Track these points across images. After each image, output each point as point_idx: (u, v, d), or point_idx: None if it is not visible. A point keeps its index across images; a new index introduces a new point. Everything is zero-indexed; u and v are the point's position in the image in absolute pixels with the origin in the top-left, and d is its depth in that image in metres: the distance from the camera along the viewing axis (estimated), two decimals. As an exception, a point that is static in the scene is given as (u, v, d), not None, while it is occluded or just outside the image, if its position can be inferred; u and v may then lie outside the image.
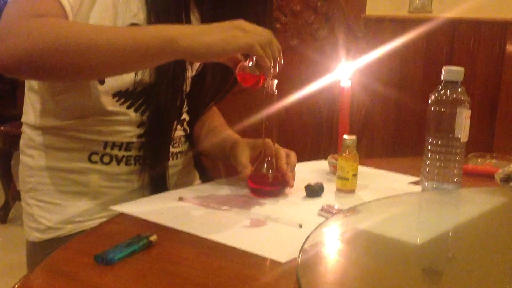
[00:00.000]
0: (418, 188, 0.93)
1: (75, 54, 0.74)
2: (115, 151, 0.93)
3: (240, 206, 0.84)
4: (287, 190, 0.92)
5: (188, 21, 0.95)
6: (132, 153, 0.94)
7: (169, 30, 0.76)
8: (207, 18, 0.99)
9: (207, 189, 0.95)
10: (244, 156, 0.93)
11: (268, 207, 0.85)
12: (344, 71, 1.03)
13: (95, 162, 0.93)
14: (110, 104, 0.91)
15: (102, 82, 0.89)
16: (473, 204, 0.85)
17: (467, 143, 0.91)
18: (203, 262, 0.65)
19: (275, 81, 0.88)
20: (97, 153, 0.92)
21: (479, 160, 1.12)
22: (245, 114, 1.04)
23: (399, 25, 2.01)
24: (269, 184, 0.90)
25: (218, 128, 1.10)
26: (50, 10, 0.78)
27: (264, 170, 0.90)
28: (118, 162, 0.94)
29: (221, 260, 0.66)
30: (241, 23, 0.78)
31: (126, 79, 0.90)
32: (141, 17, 0.89)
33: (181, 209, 0.83)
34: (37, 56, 0.73)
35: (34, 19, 0.75)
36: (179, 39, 0.74)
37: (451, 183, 0.89)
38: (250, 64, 0.82)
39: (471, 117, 0.88)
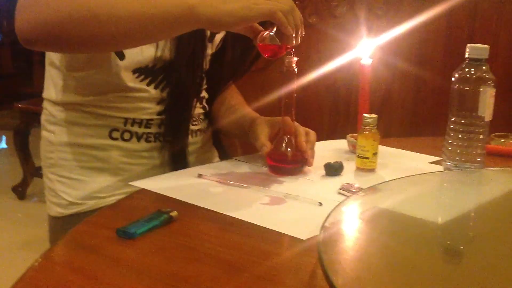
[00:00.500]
0: (439, 168, 0.92)
1: (94, 24, 0.73)
2: (135, 128, 0.93)
3: (259, 184, 0.84)
4: (306, 168, 0.91)
5: None
6: (152, 130, 0.94)
7: None
8: None
9: (226, 166, 0.95)
10: (263, 134, 0.92)
11: (287, 185, 0.85)
12: (365, 49, 1.02)
13: (116, 139, 0.93)
14: (130, 80, 0.90)
15: (122, 57, 0.89)
16: (496, 184, 0.84)
17: (490, 123, 0.89)
18: (223, 237, 0.65)
19: (295, 59, 0.87)
20: (117, 130, 0.93)
21: (502, 140, 1.10)
22: (264, 93, 1.03)
23: (420, 2, 1.96)
24: (288, 162, 0.90)
25: (237, 106, 1.10)
26: None
27: (283, 148, 0.90)
28: (139, 139, 0.94)
29: (241, 235, 0.66)
30: None
31: (146, 55, 0.90)
32: None
33: (200, 186, 0.83)
34: (57, 28, 0.73)
35: None
36: (199, 6, 0.73)
37: (473, 162, 0.88)
38: (272, 33, 0.81)
39: (495, 96, 0.86)
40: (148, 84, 0.92)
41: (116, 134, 0.93)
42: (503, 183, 0.83)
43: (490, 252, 0.63)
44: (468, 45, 0.88)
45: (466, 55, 0.88)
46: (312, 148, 0.92)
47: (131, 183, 0.84)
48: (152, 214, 0.68)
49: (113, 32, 0.74)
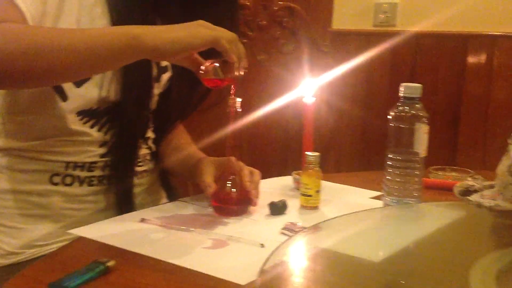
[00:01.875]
0: (379, 203, 0.95)
1: (38, 58, 0.72)
2: (78, 172, 0.91)
3: (203, 226, 0.84)
4: (251, 208, 0.92)
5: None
6: (95, 173, 0.93)
7: (133, 28, 0.75)
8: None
9: (171, 208, 0.94)
10: (208, 174, 0.92)
11: (231, 226, 0.85)
12: (308, 88, 1.04)
13: (57, 184, 0.91)
14: (73, 123, 0.89)
15: (65, 98, 0.88)
16: (432, 218, 0.87)
17: (430, 156, 0.93)
18: (161, 287, 0.64)
19: (239, 100, 0.88)
20: (58, 174, 0.91)
21: (440, 173, 1.14)
22: (209, 132, 1.04)
23: (364, 39, 2.05)
24: (232, 202, 0.90)
25: (184, 145, 1.10)
26: (11, 16, 0.77)
27: (228, 189, 0.90)
28: (81, 183, 0.92)
29: (181, 283, 0.65)
30: (205, 22, 0.78)
31: (90, 96, 0.89)
32: None
33: (142, 231, 0.82)
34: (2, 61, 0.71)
35: None
36: (143, 35, 0.74)
37: (411, 197, 0.90)
38: (216, 65, 0.82)
39: (435, 129, 0.90)
40: (91, 127, 0.92)
41: (57, 179, 0.91)
42: (438, 218, 0.86)
43: (430, 283, 0.64)
44: (402, 84, 0.92)
45: (401, 94, 0.91)
46: (256, 188, 0.93)
47: (69, 231, 0.82)
48: (88, 265, 0.66)
49: (57, 64, 0.73)
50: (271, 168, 1.60)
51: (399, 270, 0.70)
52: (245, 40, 1.51)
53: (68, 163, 0.91)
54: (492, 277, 0.60)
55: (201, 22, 0.78)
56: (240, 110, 0.88)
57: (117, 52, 0.75)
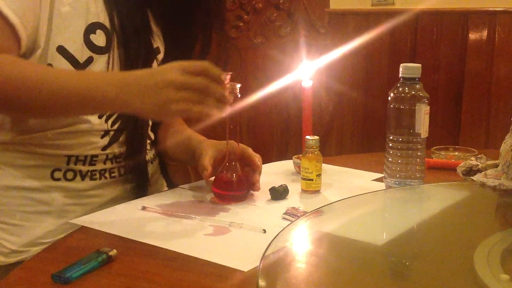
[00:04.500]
0: (381, 185, 0.94)
1: (14, 99, 0.77)
2: (79, 166, 0.90)
3: (204, 213, 0.83)
4: (252, 193, 0.91)
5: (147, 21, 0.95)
6: (97, 167, 0.91)
7: (108, 92, 0.76)
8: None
9: (172, 196, 0.93)
10: (206, 157, 0.91)
11: (233, 212, 0.84)
12: (305, 71, 1.03)
13: (58, 179, 0.89)
14: None
15: None
16: (435, 200, 0.86)
17: (433, 135, 0.92)
18: (163, 275, 0.64)
19: (238, 85, 0.87)
20: (59, 169, 0.89)
21: (443, 153, 1.13)
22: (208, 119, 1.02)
23: (363, 18, 2.02)
24: (233, 189, 0.89)
25: (182, 129, 1.09)
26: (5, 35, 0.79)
27: (228, 175, 0.89)
28: (83, 177, 0.91)
29: (182, 271, 0.65)
30: (171, 78, 0.74)
31: None
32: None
33: (144, 219, 0.82)
34: None
35: None
36: (118, 100, 0.76)
37: (413, 179, 0.90)
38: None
39: (437, 109, 0.89)
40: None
41: (58, 174, 0.89)
42: (442, 199, 0.85)
43: (432, 268, 0.64)
44: (402, 64, 0.90)
45: (400, 75, 0.90)
46: (260, 173, 0.92)
47: (71, 221, 0.81)
48: (90, 255, 0.66)
49: (32, 106, 0.79)
50: (272, 152, 1.59)
51: (403, 253, 0.70)
52: (241, 24, 1.49)
53: (69, 157, 0.89)
54: (497, 257, 0.60)
55: (167, 79, 0.74)
56: (240, 95, 0.87)
57: (88, 110, 0.84)
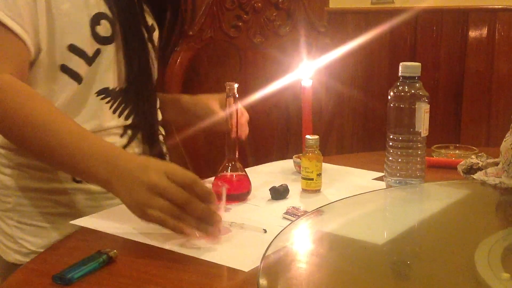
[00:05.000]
0: (382, 184, 0.94)
1: (10, 134, 0.79)
2: None
3: (205, 213, 0.83)
4: (253, 193, 0.91)
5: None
6: None
7: (101, 174, 0.74)
8: None
9: (172, 196, 0.93)
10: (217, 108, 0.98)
11: (233, 212, 0.84)
12: (305, 70, 1.03)
13: (79, 182, 0.89)
14: (95, 103, 0.89)
15: (79, 81, 0.87)
16: (436, 198, 0.86)
17: (433, 134, 0.92)
18: (164, 276, 0.64)
19: (236, 85, 0.87)
20: None
21: (443, 151, 1.13)
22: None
23: (363, 17, 2.02)
24: (233, 189, 0.89)
25: (179, 96, 1.12)
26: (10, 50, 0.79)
27: (228, 175, 0.89)
28: None
29: (184, 272, 0.65)
30: (154, 180, 0.69)
31: (105, 76, 0.90)
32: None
33: (144, 220, 0.82)
34: None
35: None
36: (103, 183, 0.75)
37: (414, 177, 0.90)
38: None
39: (437, 107, 0.89)
40: (110, 108, 0.91)
41: None
42: (442, 198, 0.85)
43: (435, 264, 0.64)
44: (401, 63, 0.90)
45: (400, 74, 0.90)
46: (244, 124, 0.98)
47: (71, 222, 0.81)
48: (91, 256, 0.66)
49: (25, 146, 0.80)
50: (272, 152, 1.59)
51: (404, 252, 0.70)
52: (240, 23, 1.48)
53: None
54: (497, 256, 0.60)
55: (153, 180, 0.69)
56: (237, 95, 0.87)
57: (74, 175, 0.87)
